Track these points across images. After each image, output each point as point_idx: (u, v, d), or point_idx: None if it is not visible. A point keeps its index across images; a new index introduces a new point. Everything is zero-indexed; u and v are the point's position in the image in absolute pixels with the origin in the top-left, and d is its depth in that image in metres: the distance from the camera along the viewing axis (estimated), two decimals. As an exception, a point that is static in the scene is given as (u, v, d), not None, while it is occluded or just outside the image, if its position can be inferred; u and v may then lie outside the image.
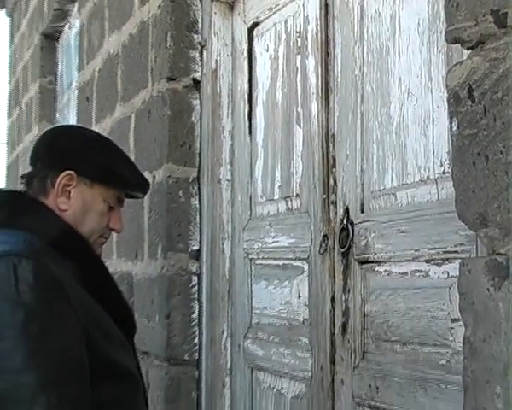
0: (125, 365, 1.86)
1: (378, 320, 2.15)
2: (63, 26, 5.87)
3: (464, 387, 1.46)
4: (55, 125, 2.36)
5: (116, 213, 2.00)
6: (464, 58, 1.53)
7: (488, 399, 1.39)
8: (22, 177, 2.01)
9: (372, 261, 2.18)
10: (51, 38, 6.20)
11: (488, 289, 1.39)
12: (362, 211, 2.24)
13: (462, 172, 1.48)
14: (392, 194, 2.12)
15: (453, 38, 1.53)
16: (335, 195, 2.36)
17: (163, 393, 3.08)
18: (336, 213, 2.35)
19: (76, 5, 5.28)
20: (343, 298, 2.28)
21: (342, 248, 2.27)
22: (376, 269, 2.17)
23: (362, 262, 2.22)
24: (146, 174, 3.33)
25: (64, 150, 1.97)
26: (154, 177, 3.23)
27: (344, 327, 2.27)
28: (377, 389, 2.11)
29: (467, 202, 1.46)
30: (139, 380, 1.94)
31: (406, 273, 2.05)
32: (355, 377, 2.22)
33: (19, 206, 1.92)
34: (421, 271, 2.00)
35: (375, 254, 2.16)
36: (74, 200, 1.92)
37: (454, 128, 1.50)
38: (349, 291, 2.26)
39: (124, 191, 2.01)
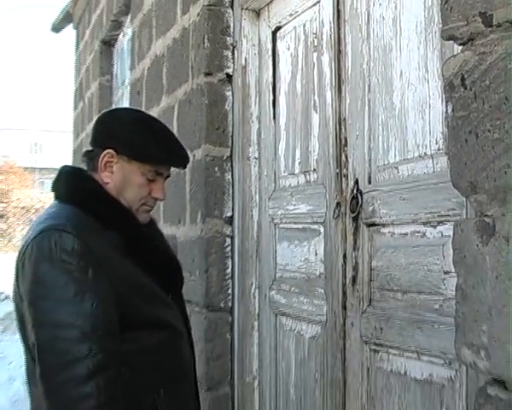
0: (166, 319, 1.85)
1: (382, 273, 2.14)
2: (118, 35, 5.88)
3: (456, 326, 1.45)
4: (108, 109, 2.30)
5: (158, 183, 1.89)
6: (455, 53, 1.51)
7: (475, 335, 1.38)
8: (83, 156, 1.98)
9: (378, 224, 2.17)
10: (108, 44, 6.23)
11: (477, 245, 1.38)
12: (369, 182, 2.22)
13: (456, 147, 1.46)
14: (395, 168, 2.10)
15: (447, 36, 1.50)
16: (347, 169, 2.34)
17: (202, 334, 3.10)
18: (348, 184, 2.34)
19: (129, 17, 5.28)
20: (353, 255, 2.27)
21: (353, 213, 2.27)
22: (381, 231, 2.16)
23: (369, 225, 2.21)
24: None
25: (105, 131, 1.91)
26: (194, 155, 3.23)
27: (354, 279, 2.27)
28: (381, 329, 2.12)
29: (460, 172, 1.45)
30: (180, 329, 1.91)
31: (406, 234, 2.04)
32: (363, 321, 2.22)
33: (75, 182, 1.90)
34: (419, 232, 1.99)
35: (381, 218, 2.15)
36: (116, 174, 1.85)
37: (449, 111, 1.49)
38: (358, 249, 2.25)
39: (157, 166, 1.87)
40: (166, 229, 3.66)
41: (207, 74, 3.14)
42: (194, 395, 1.99)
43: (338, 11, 2.41)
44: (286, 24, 2.86)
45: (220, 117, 3.14)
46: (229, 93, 3.15)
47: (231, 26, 3.16)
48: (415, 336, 1.97)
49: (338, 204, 2.37)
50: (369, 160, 2.23)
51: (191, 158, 3.30)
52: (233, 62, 3.15)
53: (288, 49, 2.82)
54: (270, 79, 2.99)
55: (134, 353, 1.74)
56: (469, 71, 1.43)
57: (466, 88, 1.44)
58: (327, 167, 2.46)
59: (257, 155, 3.07)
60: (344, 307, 2.33)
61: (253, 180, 3.07)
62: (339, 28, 2.41)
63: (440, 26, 1.54)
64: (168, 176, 1.97)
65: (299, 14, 2.73)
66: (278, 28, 2.93)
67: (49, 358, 1.64)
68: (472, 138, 1.41)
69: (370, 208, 2.19)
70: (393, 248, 2.10)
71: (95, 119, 2.11)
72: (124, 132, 1.87)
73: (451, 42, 1.53)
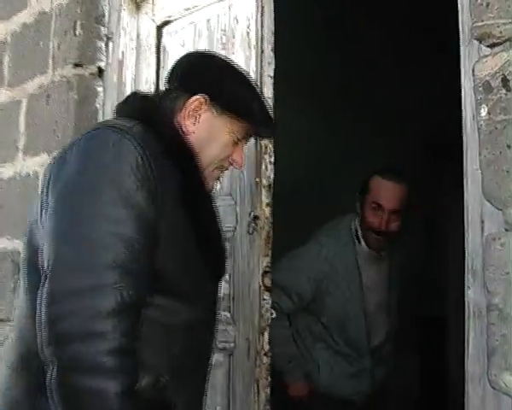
0: (201, 299, 1.53)
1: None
2: None
3: (492, 350, 1.29)
4: (196, 51, 2.13)
5: (239, 148, 1.63)
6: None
7: (517, 360, 1.23)
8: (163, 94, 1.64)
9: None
10: None
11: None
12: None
13: (494, 154, 1.30)
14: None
15: (481, 34, 1.35)
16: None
17: None
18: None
19: None
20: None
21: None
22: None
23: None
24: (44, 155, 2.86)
25: (200, 75, 1.62)
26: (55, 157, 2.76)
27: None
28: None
29: (499, 181, 1.29)
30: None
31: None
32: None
33: (148, 105, 1.59)
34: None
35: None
36: (201, 125, 1.58)
37: (483, 114, 1.33)
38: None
39: (250, 125, 1.61)
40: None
41: (77, 65, 2.69)
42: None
43: (262, 8, 2.17)
44: (179, 19, 2.54)
45: (90, 115, 2.70)
46: (100, 89, 2.73)
47: (106, 14, 2.75)
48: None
49: (255, 217, 2.11)
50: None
51: (46, 162, 2.82)
52: (107, 56, 2.75)
53: (183, 45, 2.50)
54: (153, 78, 2.64)
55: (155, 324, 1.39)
56: (512, 72, 1.29)
57: (509, 90, 1.29)
58: (239, 177, 2.19)
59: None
60: (261, 333, 2.07)
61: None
62: (262, 26, 2.17)
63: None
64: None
65: (199, 9, 2.44)
66: (167, 23, 2.60)
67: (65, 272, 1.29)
68: (517, 144, 1.27)
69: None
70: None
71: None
72: (221, 80, 1.60)
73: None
